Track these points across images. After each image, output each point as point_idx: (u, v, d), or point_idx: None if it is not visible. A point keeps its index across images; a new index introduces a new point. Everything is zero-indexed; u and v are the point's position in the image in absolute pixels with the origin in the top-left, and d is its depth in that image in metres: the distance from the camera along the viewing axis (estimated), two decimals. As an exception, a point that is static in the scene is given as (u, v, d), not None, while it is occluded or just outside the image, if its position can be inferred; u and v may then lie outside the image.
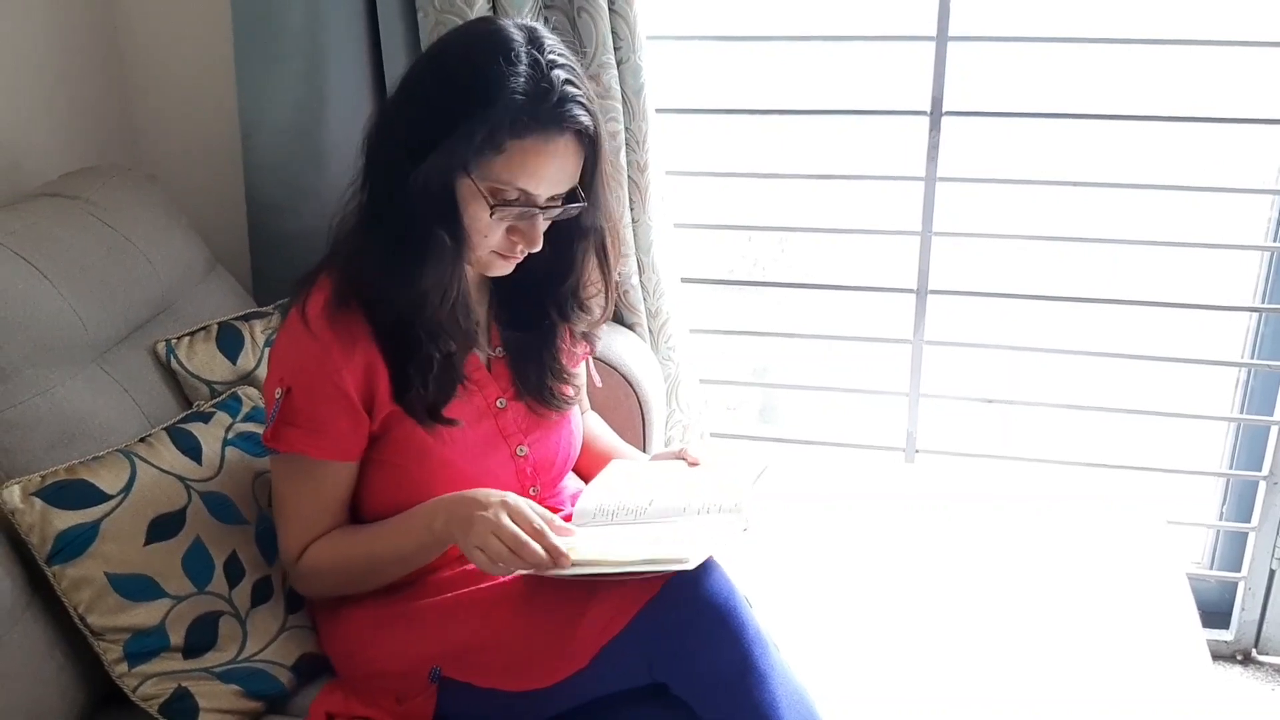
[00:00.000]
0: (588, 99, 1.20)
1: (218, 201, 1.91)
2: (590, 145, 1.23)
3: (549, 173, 1.20)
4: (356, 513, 1.33)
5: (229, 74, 1.77)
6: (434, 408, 1.25)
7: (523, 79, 1.15)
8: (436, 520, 1.21)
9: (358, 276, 1.22)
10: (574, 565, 1.15)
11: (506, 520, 1.15)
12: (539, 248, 1.24)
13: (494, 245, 1.23)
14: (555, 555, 1.14)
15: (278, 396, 1.23)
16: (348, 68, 1.71)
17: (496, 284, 1.34)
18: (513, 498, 1.18)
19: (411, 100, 1.20)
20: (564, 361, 1.39)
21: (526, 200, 1.21)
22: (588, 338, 1.42)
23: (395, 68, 1.68)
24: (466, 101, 1.14)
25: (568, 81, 1.17)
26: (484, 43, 1.17)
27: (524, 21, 1.22)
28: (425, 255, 1.19)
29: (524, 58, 1.16)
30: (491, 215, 1.20)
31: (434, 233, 1.18)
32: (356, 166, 1.24)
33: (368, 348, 1.23)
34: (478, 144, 1.15)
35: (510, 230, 1.23)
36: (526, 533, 1.14)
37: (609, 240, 1.34)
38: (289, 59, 1.70)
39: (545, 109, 1.16)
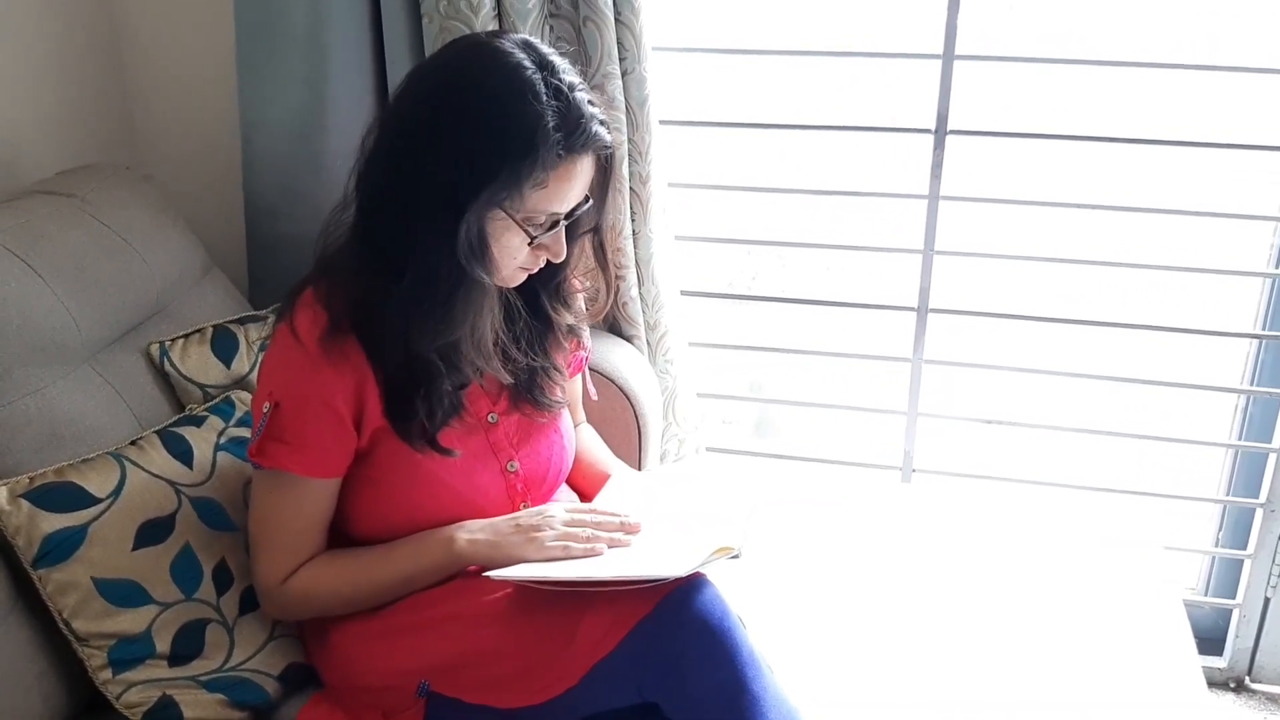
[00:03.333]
0: (604, 114, 1.20)
1: (215, 203, 1.90)
2: (606, 153, 1.24)
3: (576, 191, 1.21)
4: (342, 530, 1.31)
5: (230, 75, 1.76)
6: (432, 437, 1.25)
7: (554, 112, 1.14)
8: (457, 543, 1.25)
9: (356, 303, 1.20)
10: (562, 577, 1.15)
11: (575, 512, 1.27)
12: (564, 256, 1.25)
13: (520, 263, 1.24)
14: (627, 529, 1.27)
15: (265, 410, 1.21)
16: (350, 72, 1.70)
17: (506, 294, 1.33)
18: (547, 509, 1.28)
19: (432, 149, 1.15)
20: (556, 357, 1.39)
21: (553, 220, 1.21)
22: (576, 332, 1.42)
23: (398, 73, 1.67)
24: (507, 151, 1.13)
25: (590, 103, 1.18)
26: (498, 78, 1.14)
27: (518, 37, 1.20)
28: (463, 296, 1.18)
29: (545, 88, 1.14)
30: (531, 244, 1.20)
31: (471, 274, 1.17)
32: (346, 192, 1.22)
33: (360, 364, 1.22)
34: (522, 187, 1.15)
35: (536, 246, 1.23)
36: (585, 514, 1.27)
37: (606, 236, 1.35)
38: (291, 61, 1.69)
39: (578, 138, 1.16)
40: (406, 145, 1.17)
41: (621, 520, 1.28)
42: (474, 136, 1.14)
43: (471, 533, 1.26)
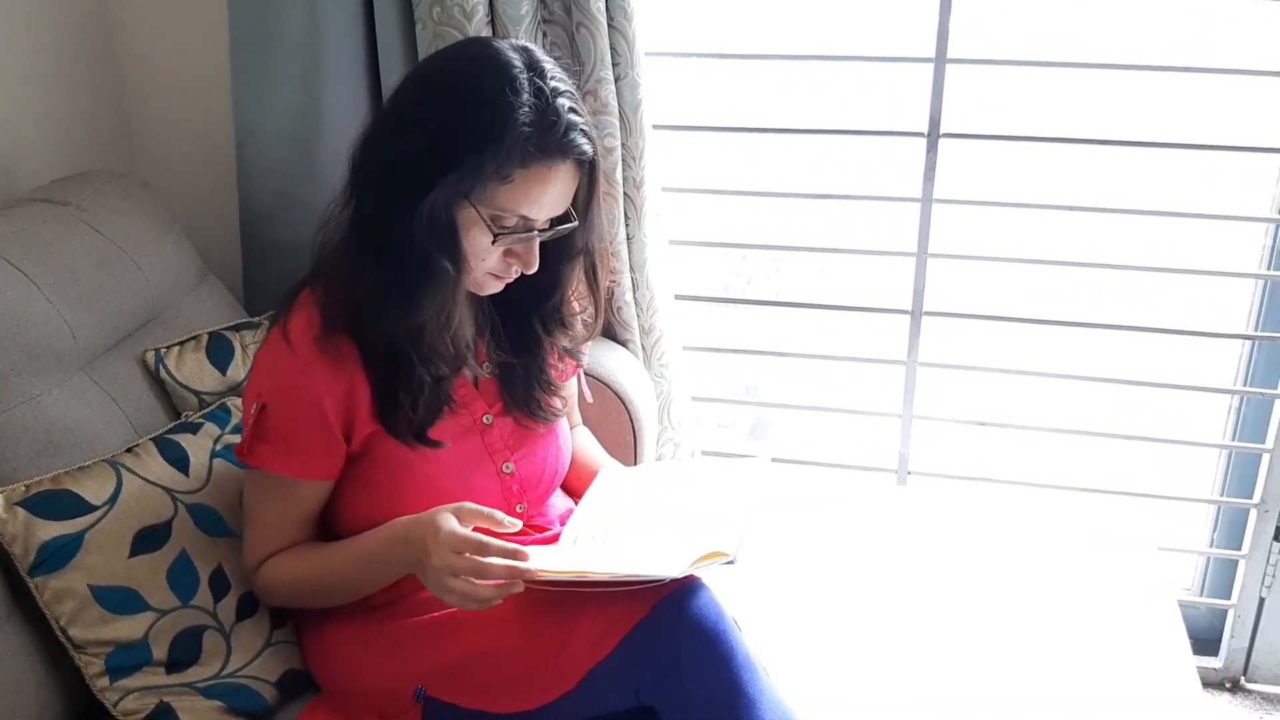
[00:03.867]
0: (588, 125, 1.20)
1: (211, 210, 1.90)
2: (588, 169, 1.24)
3: (550, 198, 1.20)
4: (335, 528, 1.32)
5: (225, 81, 1.76)
6: (420, 430, 1.25)
7: (529, 109, 1.14)
8: (392, 553, 1.21)
9: (351, 303, 1.21)
10: (562, 573, 1.15)
11: (454, 557, 1.13)
12: (535, 269, 1.25)
13: (490, 268, 1.24)
14: (515, 554, 1.13)
15: (253, 411, 1.23)
16: (345, 78, 1.70)
17: (484, 299, 1.33)
18: (445, 526, 1.15)
19: (411, 128, 1.18)
20: (551, 374, 1.39)
21: (526, 225, 1.21)
22: (572, 353, 1.42)
23: (392, 79, 1.68)
24: (474, 135, 1.14)
25: (571, 109, 1.18)
26: (485, 70, 1.16)
27: (518, 42, 1.22)
28: (427, 283, 1.18)
29: (527, 86, 1.15)
30: (494, 242, 1.20)
31: (436, 261, 1.17)
32: (341, 185, 1.23)
33: (352, 369, 1.23)
34: (486, 176, 1.15)
35: (507, 253, 1.23)
36: (474, 552, 1.13)
37: (599, 260, 1.35)
38: (286, 67, 1.69)
39: (551, 139, 1.16)
40: (392, 130, 1.20)
41: (510, 566, 1.13)
42: (447, 120, 1.15)
43: (408, 543, 1.19)
